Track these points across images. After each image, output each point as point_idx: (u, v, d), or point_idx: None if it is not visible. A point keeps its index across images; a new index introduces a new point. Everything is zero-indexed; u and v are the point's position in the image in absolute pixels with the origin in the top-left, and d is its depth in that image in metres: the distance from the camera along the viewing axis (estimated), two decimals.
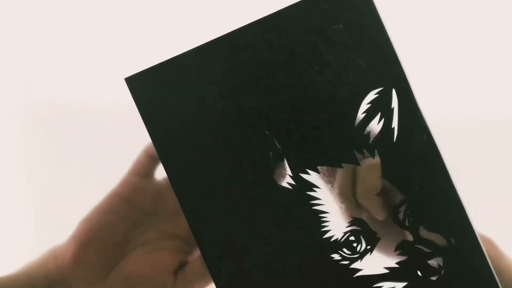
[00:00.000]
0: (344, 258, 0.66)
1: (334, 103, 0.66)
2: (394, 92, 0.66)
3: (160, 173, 0.73)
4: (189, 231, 0.71)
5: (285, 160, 0.66)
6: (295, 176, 0.66)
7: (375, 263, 0.67)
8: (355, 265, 0.67)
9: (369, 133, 0.66)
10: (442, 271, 0.66)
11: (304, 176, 0.66)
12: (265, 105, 0.66)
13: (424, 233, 0.66)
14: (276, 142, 0.66)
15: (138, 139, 0.72)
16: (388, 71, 0.65)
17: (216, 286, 0.68)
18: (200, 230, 0.68)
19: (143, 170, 0.76)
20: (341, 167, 0.66)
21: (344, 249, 0.66)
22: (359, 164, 0.66)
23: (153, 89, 0.67)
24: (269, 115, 0.66)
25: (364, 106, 0.66)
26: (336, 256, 0.66)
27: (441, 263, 0.66)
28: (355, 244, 0.66)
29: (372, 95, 0.66)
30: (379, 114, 0.66)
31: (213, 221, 0.67)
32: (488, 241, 0.71)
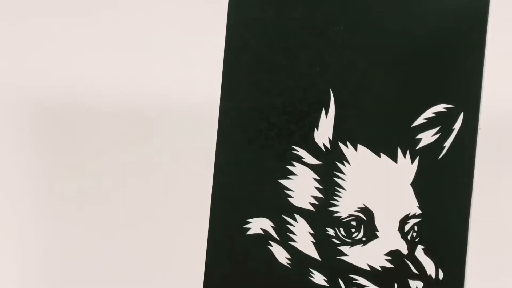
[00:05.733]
0: (336, 237, 0.66)
1: (405, 96, 0.66)
2: (462, 115, 0.65)
3: None
4: None
5: (333, 121, 0.66)
6: (333, 142, 0.66)
7: (361, 256, 0.66)
8: (342, 248, 0.66)
9: (420, 139, 0.66)
10: None
11: (341, 145, 0.66)
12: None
13: (419, 253, 0.66)
14: (333, 99, 0.66)
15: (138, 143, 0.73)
16: (467, 94, 0.65)
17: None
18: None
19: None
20: (380, 156, 0.66)
21: (341, 229, 0.66)
22: (396, 162, 0.66)
23: None
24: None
25: (429, 113, 0.65)
26: (330, 231, 0.66)
27: None
28: (353, 230, 0.66)
29: (440, 107, 0.65)
30: (439, 127, 0.65)
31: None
32: None
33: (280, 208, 0.67)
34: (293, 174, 0.67)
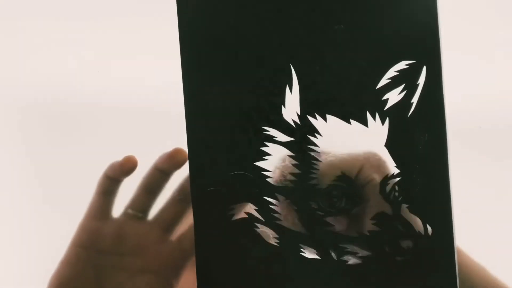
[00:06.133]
0: (320, 209, 0.66)
1: (364, 59, 0.66)
2: (424, 69, 0.65)
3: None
4: (159, 264, 0.73)
5: (299, 96, 0.66)
6: (302, 116, 0.66)
7: (348, 224, 0.66)
8: (328, 219, 0.66)
9: (387, 100, 0.66)
10: (409, 255, 0.66)
11: (310, 118, 0.66)
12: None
13: (404, 212, 0.66)
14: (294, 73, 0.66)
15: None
16: (425, 47, 0.65)
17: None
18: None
19: (99, 213, 0.77)
20: (350, 123, 0.66)
21: (324, 201, 0.66)
22: (367, 126, 0.66)
23: None
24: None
25: (392, 72, 0.65)
26: (313, 205, 0.66)
27: (410, 247, 0.66)
28: (335, 200, 0.66)
29: (402, 65, 0.65)
30: (403, 85, 0.65)
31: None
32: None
33: (260, 190, 0.67)
34: (268, 154, 0.67)
